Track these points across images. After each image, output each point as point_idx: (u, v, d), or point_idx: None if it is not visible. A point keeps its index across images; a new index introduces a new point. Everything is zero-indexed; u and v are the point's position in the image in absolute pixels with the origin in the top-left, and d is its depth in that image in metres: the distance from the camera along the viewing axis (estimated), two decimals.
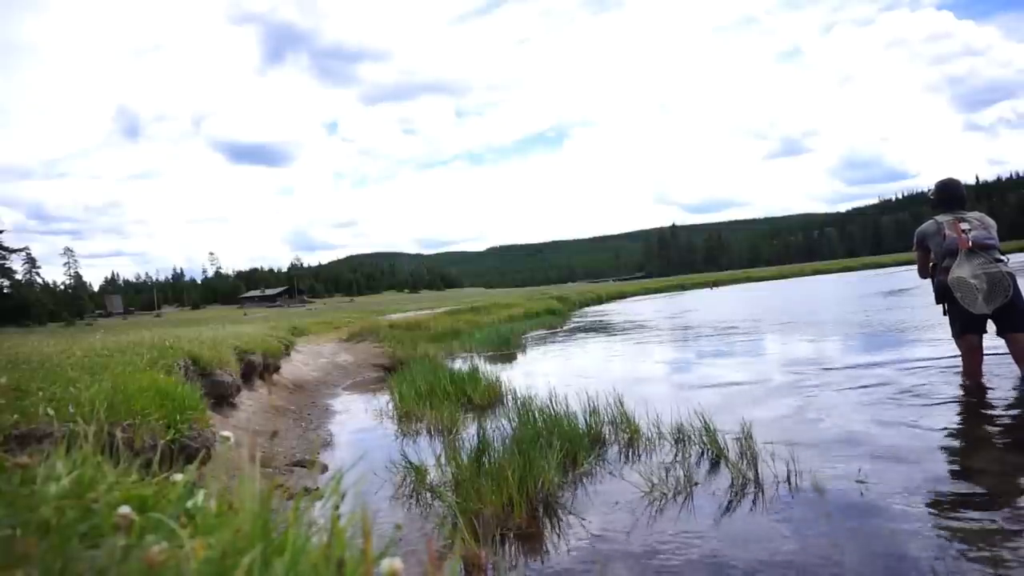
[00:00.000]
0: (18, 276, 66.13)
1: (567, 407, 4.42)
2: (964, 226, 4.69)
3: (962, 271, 4.58)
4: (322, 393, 8.14)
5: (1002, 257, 4.62)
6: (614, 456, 3.85)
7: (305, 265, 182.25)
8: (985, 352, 4.79)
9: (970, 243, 4.58)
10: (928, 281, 5.14)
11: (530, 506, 2.93)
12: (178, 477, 0.95)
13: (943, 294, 4.82)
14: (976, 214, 4.82)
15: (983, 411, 4.31)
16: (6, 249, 63.68)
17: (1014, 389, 4.50)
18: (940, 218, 4.87)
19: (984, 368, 4.82)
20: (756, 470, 3.17)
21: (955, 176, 5.18)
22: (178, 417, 3.12)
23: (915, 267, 5.26)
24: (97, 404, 2.69)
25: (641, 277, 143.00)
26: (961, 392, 4.66)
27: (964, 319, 4.69)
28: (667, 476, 3.22)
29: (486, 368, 7.61)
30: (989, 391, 4.58)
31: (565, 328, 17.71)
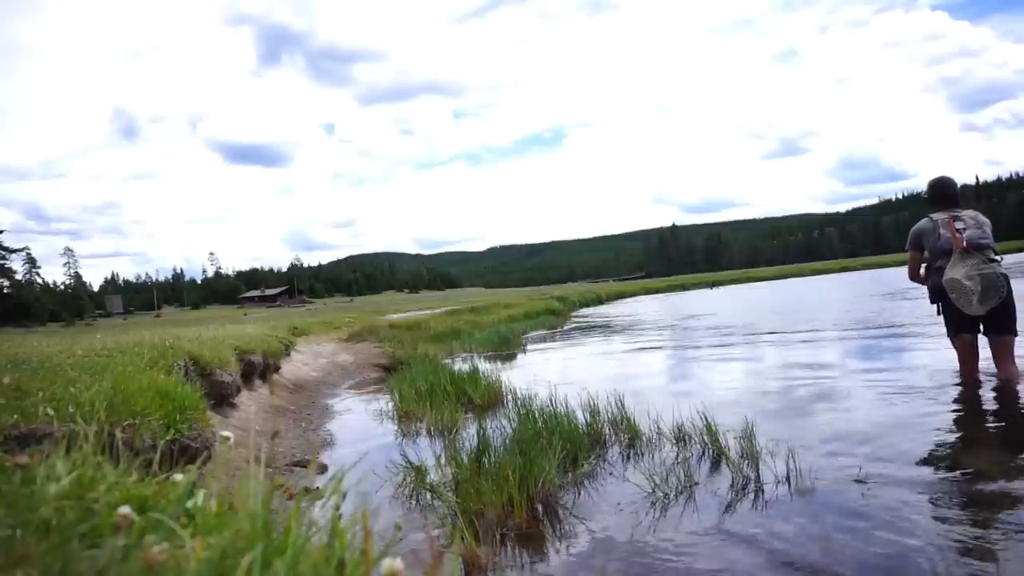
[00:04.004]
0: (18, 276, 66.22)
1: (567, 407, 4.41)
2: (959, 225, 4.68)
3: (956, 272, 4.60)
4: (322, 393, 8.14)
5: (996, 257, 4.64)
6: (615, 456, 3.85)
7: (305, 265, 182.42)
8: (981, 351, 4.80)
9: (964, 243, 4.59)
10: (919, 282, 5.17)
11: (530, 506, 2.93)
12: (178, 477, 0.95)
13: (938, 294, 4.84)
14: (970, 212, 4.80)
15: (981, 410, 4.32)
16: (6, 249, 63.74)
17: (1010, 388, 4.50)
18: (935, 216, 4.86)
19: (980, 366, 4.83)
20: (757, 470, 3.17)
21: (948, 174, 5.17)
22: (178, 417, 3.12)
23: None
24: (97, 404, 2.69)
25: (641, 277, 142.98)
26: (958, 391, 4.66)
27: (958, 319, 4.73)
28: (668, 476, 3.22)
29: (486, 368, 7.61)
30: (986, 390, 4.60)
31: (565, 328, 17.71)
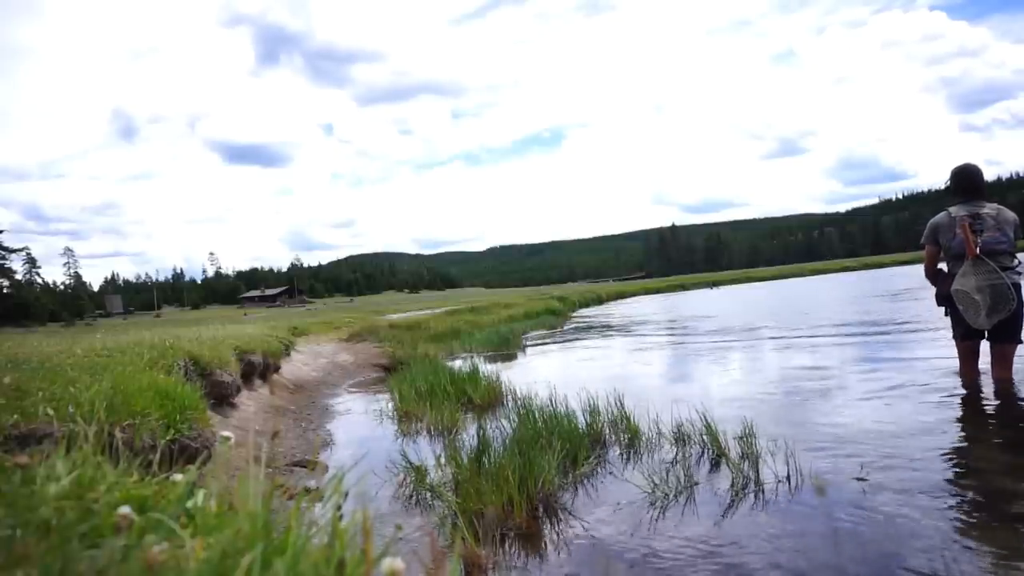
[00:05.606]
0: (18, 276, 66.26)
1: (567, 407, 4.41)
2: (977, 225, 4.47)
3: (966, 283, 4.47)
4: (322, 393, 8.14)
5: (1012, 263, 4.46)
6: (614, 456, 3.84)
7: (305, 265, 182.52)
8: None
9: (978, 250, 4.41)
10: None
11: (530, 506, 2.93)
12: (178, 477, 0.95)
13: (946, 300, 4.75)
14: (992, 210, 4.52)
15: (981, 410, 4.32)
16: (6, 249, 63.77)
17: (1009, 389, 4.50)
18: (954, 211, 4.62)
19: (980, 367, 4.82)
20: (757, 470, 3.16)
21: (973, 162, 4.76)
22: (178, 417, 3.12)
23: (916, 266, 5.21)
24: (97, 404, 2.69)
25: (641, 277, 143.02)
26: (959, 391, 4.66)
27: (965, 325, 4.66)
28: (668, 476, 3.22)
29: (486, 368, 7.60)
30: (986, 390, 4.59)
31: (565, 328, 17.70)
